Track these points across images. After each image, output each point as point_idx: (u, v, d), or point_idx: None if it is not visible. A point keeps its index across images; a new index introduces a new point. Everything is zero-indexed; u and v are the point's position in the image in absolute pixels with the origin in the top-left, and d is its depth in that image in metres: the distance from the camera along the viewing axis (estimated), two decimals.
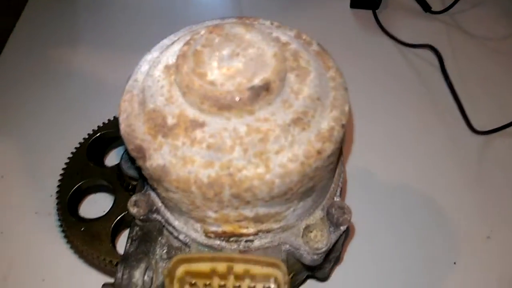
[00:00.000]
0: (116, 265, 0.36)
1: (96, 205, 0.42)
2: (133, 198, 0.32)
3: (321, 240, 0.30)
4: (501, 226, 0.46)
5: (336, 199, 0.32)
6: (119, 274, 0.31)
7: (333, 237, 0.31)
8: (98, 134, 0.43)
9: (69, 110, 0.54)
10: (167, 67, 0.26)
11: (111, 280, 0.34)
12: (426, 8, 0.66)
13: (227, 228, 0.28)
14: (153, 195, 0.32)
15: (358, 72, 0.56)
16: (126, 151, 0.39)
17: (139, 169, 0.33)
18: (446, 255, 0.44)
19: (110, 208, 0.39)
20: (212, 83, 0.23)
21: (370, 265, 0.44)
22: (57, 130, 0.52)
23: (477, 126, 0.53)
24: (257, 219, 0.27)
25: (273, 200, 0.25)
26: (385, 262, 0.44)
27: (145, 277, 0.31)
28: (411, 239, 0.45)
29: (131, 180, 0.39)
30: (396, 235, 0.45)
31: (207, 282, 0.28)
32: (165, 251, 0.33)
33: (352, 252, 0.44)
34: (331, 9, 0.67)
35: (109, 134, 0.44)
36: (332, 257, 0.38)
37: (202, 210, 0.26)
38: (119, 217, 0.39)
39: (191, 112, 0.24)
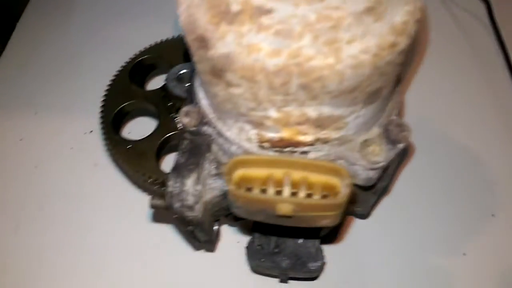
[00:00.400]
0: (161, 184, 0.36)
1: (139, 128, 0.42)
2: (185, 108, 0.31)
3: (379, 154, 0.29)
4: None
5: (394, 116, 0.31)
6: (171, 182, 0.30)
7: (391, 154, 0.30)
8: (140, 59, 0.42)
9: (108, 37, 0.53)
10: None
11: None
12: None
13: (286, 133, 0.27)
14: (204, 106, 0.31)
15: None
16: (175, 71, 0.38)
17: (190, 90, 0.33)
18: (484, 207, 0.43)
19: (155, 129, 0.39)
20: None
21: (413, 205, 0.42)
22: (98, 54, 0.51)
23: None
24: (318, 123, 0.26)
25: (341, 96, 0.24)
26: (429, 206, 0.42)
27: (196, 189, 0.31)
28: (455, 188, 0.44)
29: (176, 100, 0.38)
30: (443, 182, 0.44)
31: (264, 188, 0.27)
32: (213, 167, 0.33)
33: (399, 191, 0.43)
34: None
35: (149, 60, 0.43)
36: (379, 187, 0.36)
37: (263, 108, 0.25)
38: (164, 138, 0.38)
39: None
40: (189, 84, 0.35)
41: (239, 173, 0.27)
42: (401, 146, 0.30)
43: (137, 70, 0.42)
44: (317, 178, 0.27)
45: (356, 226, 0.42)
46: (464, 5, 0.58)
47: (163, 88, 0.39)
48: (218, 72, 0.24)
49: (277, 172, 0.27)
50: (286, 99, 0.24)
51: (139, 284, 0.39)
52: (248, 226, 0.40)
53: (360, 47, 0.23)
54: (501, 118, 0.49)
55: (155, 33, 0.44)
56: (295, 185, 0.27)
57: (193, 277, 0.39)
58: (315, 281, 0.41)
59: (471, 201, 0.43)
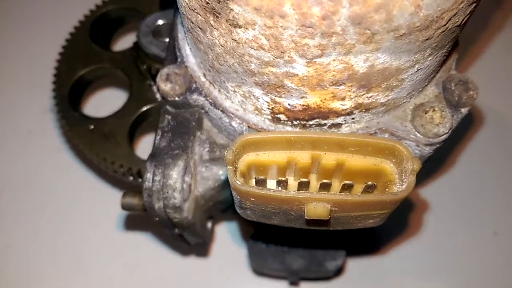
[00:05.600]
0: (138, 174, 0.27)
1: (104, 103, 0.32)
2: (164, 70, 0.23)
3: (442, 122, 0.21)
4: None
5: (452, 72, 0.23)
6: (149, 175, 0.22)
7: (457, 119, 0.22)
8: (104, 11, 0.33)
9: None
10: None
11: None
12: None
13: (314, 99, 0.19)
14: (192, 67, 0.23)
15: None
16: (149, 22, 0.29)
17: (172, 45, 0.24)
18: None
19: (125, 103, 0.30)
20: None
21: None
22: (48, 6, 0.41)
23: None
24: (365, 81, 0.18)
25: (411, 35, 0.15)
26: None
27: (184, 181, 0.22)
28: None
29: (153, 61, 0.29)
30: None
31: (283, 178, 0.19)
32: (206, 149, 0.24)
33: None
34: None
35: (115, 12, 0.33)
36: None
37: (287, 60, 0.16)
38: (138, 114, 0.29)
39: None
40: (169, 39, 0.25)
41: (248, 159, 0.19)
42: (465, 110, 0.22)
43: (100, 25, 0.33)
44: (359, 162, 0.19)
45: None
46: None
47: (135, 47, 0.30)
48: (216, 4, 0.15)
49: (302, 156, 0.19)
50: (326, 44, 0.15)
51: None
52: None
53: None
54: None
55: None
56: (326, 173, 0.19)
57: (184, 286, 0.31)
58: (329, 281, 0.34)
59: None
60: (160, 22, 0.28)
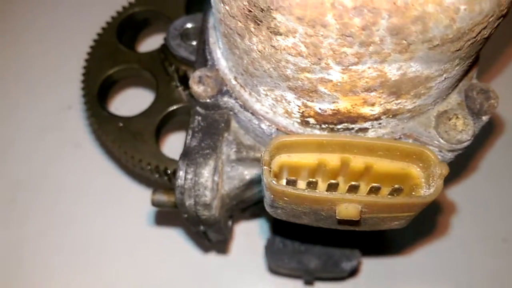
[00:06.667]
0: (165, 172, 0.28)
1: (131, 102, 0.33)
2: (197, 73, 0.23)
3: (465, 129, 0.21)
4: None
5: (474, 81, 0.23)
6: (181, 173, 0.23)
7: (478, 126, 0.23)
8: (130, 13, 0.34)
9: None
10: None
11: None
12: None
13: (345, 104, 0.19)
14: (223, 70, 0.23)
15: None
16: (177, 26, 0.30)
17: (202, 48, 0.25)
18: None
19: (152, 103, 0.30)
20: None
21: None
22: (75, 12, 0.42)
23: None
24: (396, 88, 0.18)
25: (443, 46, 0.16)
26: None
27: (213, 180, 0.23)
28: None
29: (180, 63, 0.30)
30: None
31: (313, 179, 0.20)
32: (233, 150, 0.25)
33: None
34: None
35: (142, 14, 0.34)
36: None
37: (323, 66, 0.17)
38: (164, 113, 0.30)
39: None
40: (199, 42, 0.26)
41: (280, 160, 0.20)
42: (486, 118, 0.23)
43: (127, 26, 0.34)
44: (386, 166, 0.20)
45: None
46: None
47: (162, 49, 0.31)
48: (260, 13, 0.16)
49: (332, 159, 0.20)
50: (363, 52, 0.16)
51: None
52: (270, 220, 0.33)
53: None
54: None
55: None
56: (355, 175, 0.20)
57: (204, 283, 0.32)
58: (344, 282, 0.34)
59: None
60: (189, 25, 0.29)
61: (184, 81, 0.30)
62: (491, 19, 0.16)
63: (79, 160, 0.36)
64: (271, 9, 0.16)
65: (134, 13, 0.34)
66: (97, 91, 0.31)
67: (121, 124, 0.29)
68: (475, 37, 0.17)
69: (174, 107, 0.30)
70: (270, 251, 0.32)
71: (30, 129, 0.38)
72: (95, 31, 0.32)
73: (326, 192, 0.18)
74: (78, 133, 0.37)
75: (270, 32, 0.17)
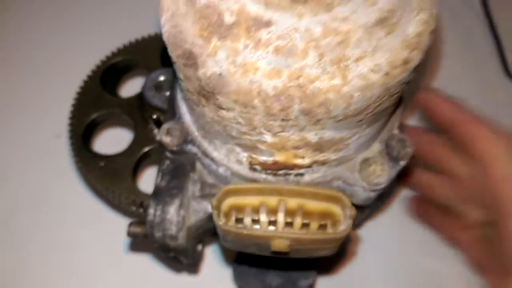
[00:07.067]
0: (140, 205, 0.33)
1: (112, 141, 0.38)
2: (166, 126, 0.28)
3: (381, 174, 0.27)
4: None
5: (395, 131, 0.28)
6: (152, 210, 0.27)
7: (393, 173, 0.27)
8: (112, 62, 0.38)
9: (76, 37, 0.49)
10: None
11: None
12: None
13: (280, 157, 0.24)
14: (188, 123, 0.28)
15: None
16: (152, 78, 0.34)
17: (172, 101, 0.29)
18: None
19: (131, 144, 0.35)
20: None
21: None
22: (64, 59, 0.47)
23: None
24: (318, 146, 0.23)
25: (346, 120, 0.21)
26: None
27: (178, 215, 0.28)
28: None
29: (155, 110, 0.34)
30: None
31: (255, 218, 0.24)
32: (198, 188, 0.30)
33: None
34: None
35: (122, 63, 0.39)
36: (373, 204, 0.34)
37: (258, 132, 0.22)
38: (141, 153, 0.35)
39: (254, 8, 0.20)
40: (170, 97, 0.31)
41: (229, 201, 0.25)
42: (403, 163, 0.28)
43: (110, 74, 0.38)
44: (314, 205, 0.25)
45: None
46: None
47: (139, 96, 0.35)
48: (207, 93, 0.21)
49: (271, 200, 0.25)
50: (285, 125, 0.21)
51: None
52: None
53: (370, 65, 0.20)
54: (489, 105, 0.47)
55: (129, 30, 0.40)
56: (290, 213, 0.25)
57: None
58: None
59: None
60: (162, 78, 0.34)
61: (158, 124, 0.35)
62: (384, 98, 0.21)
63: (63, 188, 0.41)
64: (214, 92, 0.21)
65: (116, 62, 0.38)
66: (82, 133, 0.35)
67: (102, 164, 0.34)
68: (372, 111, 0.22)
69: (149, 147, 0.35)
70: (237, 272, 0.37)
71: (19, 156, 0.42)
72: (82, 77, 0.37)
73: (260, 230, 0.23)
74: (64, 163, 0.42)
75: (216, 106, 0.22)
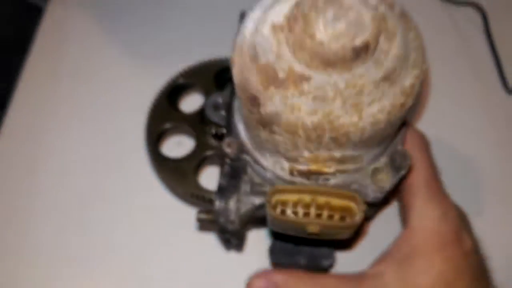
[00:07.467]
0: (202, 198, 0.43)
1: (178, 147, 0.48)
2: (227, 140, 0.38)
3: (386, 180, 0.36)
4: None
5: (399, 147, 0.38)
6: (217, 202, 0.37)
7: (395, 179, 0.36)
8: (176, 83, 0.48)
9: (147, 60, 0.59)
10: (274, 27, 0.30)
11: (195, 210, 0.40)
12: None
13: (313, 166, 0.34)
14: (243, 138, 0.38)
15: None
16: (212, 100, 0.44)
17: (228, 119, 0.39)
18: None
19: (193, 149, 0.45)
20: (321, 43, 0.28)
21: None
22: (136, 79, 0.57)
23: None
24: (341, 160, 0.33)
25: (361, 144, 0.30)
26: None
27: (236, 206, 0.38)
28: None
29: (213, 124, 0.44)
30: None
31: (294, 210, 0.34)
32: (248, 187, 0.39)
33: None
34: None
35: (184, 83, 0.49)
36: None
37: (299, 150, 0.31)
38: (201, 157, 0.45)
39: (299, 68, 0.29)
40: (228, 116, 0.41)
41: (276, 197, 0.34)
42: (403, 172, 0.37)
43: (174, 92, 0.48)
44: (337, 202, 0.34)
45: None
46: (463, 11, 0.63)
47: (201, 112, 0.45)
48: (265, 123, 0.31)
49: (306, 197, 0.34)
50: (318, 147, 0.30)
51: (177, 277, 0.47)
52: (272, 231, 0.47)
53: (378, 107, 0.29)
54: (489, 121, 0.54)
55: (188, 56, 0.50)
56: (319, 207, 0.34)
57: (225, 272, 0.47)
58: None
59: None
60: (219, 100, 0.44)
61: (215, 135, 0.45)
62: (387, 129, 0.30)
63: (141, 183, 0.51)
64: (271, 123, 0.30)
65: (178, 84, 0.49)
66: (155, 141, 0.45)
67: (171, 165, 0.44)
68: (379, 138, 0.31)
69: (208, 153, 0.45)
70: (272, 252, 0.47)
71: (105, 153, 0.53)
72: (154, 90, 0.47)
73: (297, 217, 0.33)
74: (141, 164, 0.52)
75: (270, 131, 0.31)
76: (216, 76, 0.49)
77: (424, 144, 0.41)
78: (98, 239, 0.49)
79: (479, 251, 0.38)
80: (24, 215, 0.50)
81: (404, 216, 0.39)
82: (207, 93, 0.47)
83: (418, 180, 0.38)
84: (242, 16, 0.39)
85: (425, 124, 0.54)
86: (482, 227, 0.43)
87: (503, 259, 0.47)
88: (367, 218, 0.51)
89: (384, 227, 0.48)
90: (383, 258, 0.37)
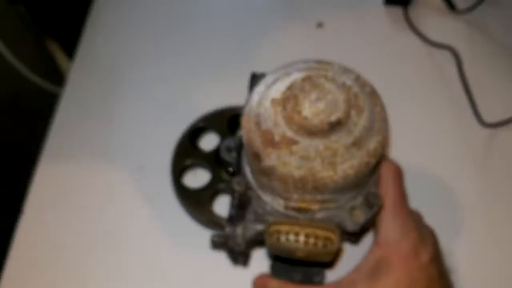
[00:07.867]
0: (217, 224, 0.53)
1: (196, 179, 0.59)
2: (236, 179, 0.48)
3: (361, 216, 0.45)
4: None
5: (372, 189, 0.47)
6: (228, 229, 0.47)
7: (368, 215, 0.46)
8: (196, 126, 0.59)
9: (172, 105, 0.69)
10: (273, 101, 0.41)
11: (210, 233, 0.50)
12: (451, 6, 0.73)
13: (302, 204, 0.44)
14: (249, 178, 0.48)
15: (382, 63, 0.68)
16: (225, 143, 0.55)
17: (238, 160, 0.49)
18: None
19: (209, 181, 0.55)
20: (305, 118, 0.38)
21: None
22: (164, 122, 0.67)
23: (486, 119, 0.61)
24: (323, 201, 0.43)
25: (336, 191, 0.40)
26: None
27: (242, 232, 0.48)
28: None
29: (226, 163, 0.55)
30: None
31: (287, 237, 0.44)
32: (252, 216, 0.49)
33: None
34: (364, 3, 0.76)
35: (202, 127, 0.60)
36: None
37: (290, 193, 0.42)
38: (216, 188, 0.55)
39: (290, 134, 0.39)
40: (237, 158, 0.51)
41: (272, 228, 0.44)
42: (375, 209, 0.46)
43: (194, 134, 0.59)
44: (321, 232, 0.44)
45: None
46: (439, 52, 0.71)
47: (216, 151, 0.56)
48: (264, 173, 0.41)
49: (296, 228, 0.44)
50: (304, 192, 0.40)
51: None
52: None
53: (348, 165, 0.39)
54: (464, 152, 0.61)
55: (206, 104, 0.60)
56: (307, 236, 0.44)
57: (233, 282, 0.57)
58: None
59: None
60: (232, 144, 0.54)
61: (227, 172, 0.55)
62: (356, 181, 0.40)
63: (165, 210, 0.61)
64: (269, 174, 0.40)
65: (198, 127, 0.59)
66: (178, 174, 0.56)
67: (191, 194, 0.54)
68: (350, 187, 0.41)
69: (222, 185, 0.55)
70: (273, 269, 0.56)
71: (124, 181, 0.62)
72: (178, 136, 0.58)
73: (288, 243, 0.42)
74: (166, 191, 0.61)
75: (268, 178, 0.41)
76: (229, 121, 0.59)
77: (397, 174, 0.48)
78: (135, 257, 0.58)
79: (440, 265, 0.46)
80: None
81: (374, 234, 0.49)
82: (222, 135, 0.58)
83: (387, 205, 0.46)
84: (253, 77, 0.50)
85: (406, 153, 0.59)
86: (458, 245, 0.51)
87: (470, 270, 0.55)
88: (353, 242, 0.60)
89: (361, 246, 0.58)
90: (356, 268, 0.46)
